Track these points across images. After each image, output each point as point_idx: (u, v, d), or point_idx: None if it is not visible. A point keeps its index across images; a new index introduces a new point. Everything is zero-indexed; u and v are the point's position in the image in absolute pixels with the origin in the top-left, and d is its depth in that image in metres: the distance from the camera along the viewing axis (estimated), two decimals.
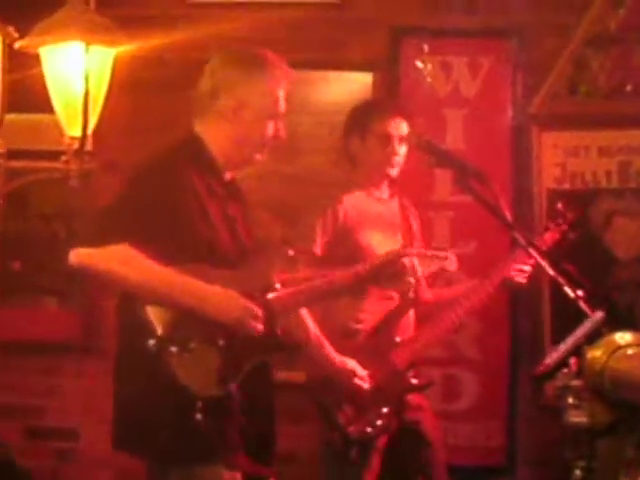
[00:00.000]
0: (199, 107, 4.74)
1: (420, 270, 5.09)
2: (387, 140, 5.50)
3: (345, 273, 4.89)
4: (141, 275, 4.32)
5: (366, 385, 5.41)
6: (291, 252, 4.64)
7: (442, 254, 5.19)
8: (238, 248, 4.61)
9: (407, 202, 5.80)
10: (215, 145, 4.65)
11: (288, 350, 4.73)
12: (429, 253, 5.22)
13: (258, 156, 4.67)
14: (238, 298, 4.37)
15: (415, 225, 5.80)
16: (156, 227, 4.34)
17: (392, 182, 5.63)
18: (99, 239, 4.30)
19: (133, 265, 4.31)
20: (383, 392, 5.46)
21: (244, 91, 4.64)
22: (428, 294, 5.65)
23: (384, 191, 5.61)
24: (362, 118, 5.67)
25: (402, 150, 5.46)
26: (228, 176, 4.66)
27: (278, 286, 4.56)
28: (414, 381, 5.27)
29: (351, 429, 5.40)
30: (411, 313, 5.50)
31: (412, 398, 5.56)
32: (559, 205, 5.69)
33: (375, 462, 5.41)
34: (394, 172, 5.51)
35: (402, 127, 5.51)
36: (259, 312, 4.37)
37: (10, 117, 5.33)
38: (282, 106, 4.67)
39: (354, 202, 5.57)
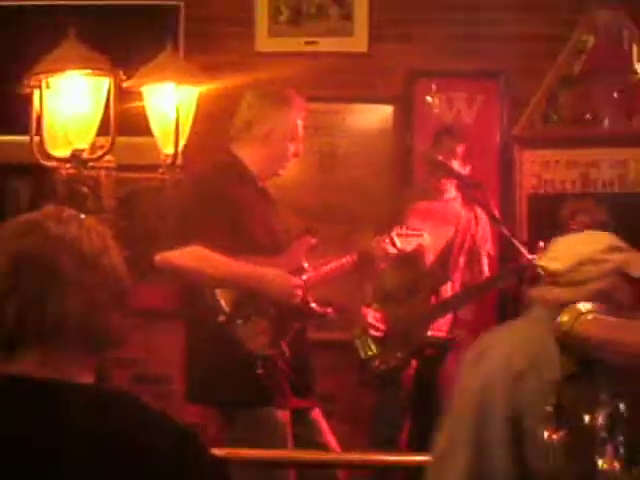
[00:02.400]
0: (236, 133, 4.90)
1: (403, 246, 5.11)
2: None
3: (350, 259, 4.95)
4: (213, 268, 4.53)
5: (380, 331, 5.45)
6: (313, 241, 4.81)
7: (419, 233, 5.17)
8: (272, 240, 4.75)
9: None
10: (250, 162, 4.81)
11: (318, 317, 4.85)
12: (409, 233, 5.19)
13: (281, 170, 4.86)
14: (287, 276, 4.56)
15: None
16: (217, 229, 4.54)
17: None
18: (176, 243, 4.53)
19: (206, 261, 4.51)
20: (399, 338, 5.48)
21: (272, 121, 4.81)
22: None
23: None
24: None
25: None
26: (260, 184, 4.81)
27: (306, 265, 4.69)
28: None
29: (375, 367, 5.39)
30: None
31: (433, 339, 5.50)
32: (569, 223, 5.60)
33: (405, 385, 5.43)
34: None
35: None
36: (299, 287, 4.57)
37: (120, 139, 5.07)
38: (300, 132, 4.82)
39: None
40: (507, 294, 5.99)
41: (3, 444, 1.98)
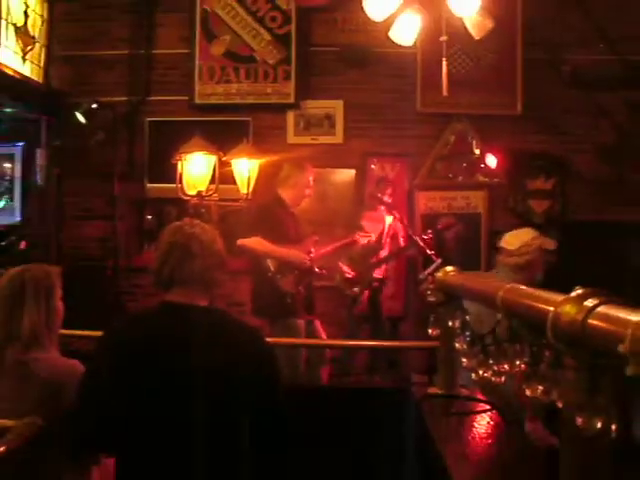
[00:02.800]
0: (280, 183, 5.45)
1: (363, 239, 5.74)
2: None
3: (339, 244, 5.62)
4: (267, 248, 5.15)
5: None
6: (316, 237, 5.36)
7: (369, 234, 5.85)
8: (296, 237, 5.34)
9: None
10: (286, 198, 5.39)
11: (317, 274, 5.44)
12: (365, 234, 5.81)
13: (302, 203, 5.51)
14: (302, 254, 5.21)
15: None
16: (269, 231, 5.16)
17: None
18: (249, 235, 5.14)
19: (262, 245, 5.13)
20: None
21: (297, 178, 5.43)
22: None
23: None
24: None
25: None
26: (291, 209, 5.42)
27: (313, 250, 5.28)
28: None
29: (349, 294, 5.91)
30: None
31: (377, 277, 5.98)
32: (438, 226, 6.60)
33: (363, 304, 5.91)
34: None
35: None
36: (309, 260, 5.22)
37: (220, 186, 5.83)
38: (311, 183, 5.46)
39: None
40: (412, 258, 6.70)
41: (167, 339, 2.38)
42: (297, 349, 5.13)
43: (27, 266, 2.99)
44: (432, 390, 3.21)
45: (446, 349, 3.12)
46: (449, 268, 3.04)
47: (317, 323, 5.46)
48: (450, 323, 2.92)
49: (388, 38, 4.72)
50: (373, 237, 5.85)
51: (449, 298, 2.97)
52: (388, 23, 4.60)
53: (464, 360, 2.66)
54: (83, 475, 2.74)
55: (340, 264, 5.85)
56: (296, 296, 5.26)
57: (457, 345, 2.78)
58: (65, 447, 2.49)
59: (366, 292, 5.96)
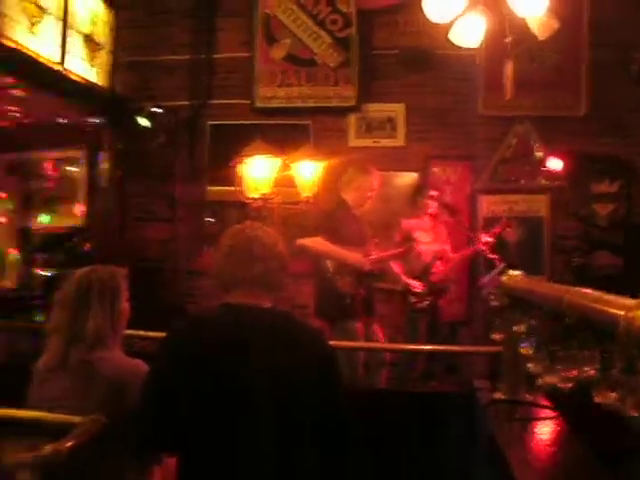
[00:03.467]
0: (343, 186, 5.40)
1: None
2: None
3: (397, 251, 5.66)
4: (326, 248, 5.11)
5: (418, 289, 5.96)
6: (376, 241, 5.42)
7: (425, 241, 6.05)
8: (359, 240, 5.28)
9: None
10: (349, 200, 5.34)
11: (379, 277, 5.53)
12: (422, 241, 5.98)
13: (365, 205, 5.46)
14: (363, 258, 5.18)
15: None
16: (332, 232, 5.13)
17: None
18: (312, 235, 5.12)
19: (324, 245, 5.11)
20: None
21: (360, 181, 5.38)
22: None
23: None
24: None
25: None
26: (354, 211, 5.36)
27: (373, 253, 5.33)
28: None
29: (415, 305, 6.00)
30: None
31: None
32: (496, 229, 6.21)
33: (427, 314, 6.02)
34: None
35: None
36: (368, 262, 5.20)
37: (282, 189, 6.23)
38: (374, 187, 5.42)
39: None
40: (474, 263, 6.70)
41: (230, 340, 2.38)
42: (355, 352, 5.09)
43: (93, 267, 3.01)
44: (497, 395, 3.16)
45: (510, 354, 3.07)
46: (514, 272, 3.01)
47: (376, 326, 5.43)
48: (515, 328, 2.88)
49: (450, 40, 4.70)
50: (427, 247, 5.96)
51: (514, 302, 2.93)
52: (450, 25, 4.56)
53: (530, 365, 2.62)
54: (145, 474, 2.75)
55: (405, 278, 5.88)
56: (355, 298, 5.22)
57: (522, 350, 2.77)
58: (128, 446, 2.50)
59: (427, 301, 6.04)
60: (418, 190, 6.47)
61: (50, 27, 6.15)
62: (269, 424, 2.32)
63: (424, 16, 4.48)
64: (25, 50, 5.78)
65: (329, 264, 5.23)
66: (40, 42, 6.00)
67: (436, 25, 4.61)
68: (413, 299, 5.96)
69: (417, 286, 5.91)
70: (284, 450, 2.35)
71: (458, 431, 3.44)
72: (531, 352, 2.65)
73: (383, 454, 3.71)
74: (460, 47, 4.74)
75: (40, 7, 5.93)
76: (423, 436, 3.77)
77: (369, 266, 5.20)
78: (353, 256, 5.16)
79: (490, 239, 5.89)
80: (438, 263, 6.11)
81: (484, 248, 5.79)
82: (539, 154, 6.86)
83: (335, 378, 2.50)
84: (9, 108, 6.92)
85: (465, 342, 6.56)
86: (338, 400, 2.49)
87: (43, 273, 7.48)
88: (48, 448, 2.34)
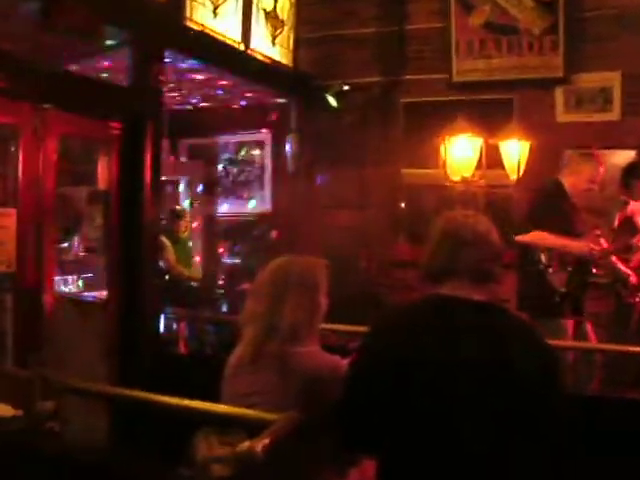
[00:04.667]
0: (563, 168, 5.21)
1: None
2: None
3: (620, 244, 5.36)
4: (550, 241, 4.95)
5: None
6: (599, 232, 5.10)
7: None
8: (578, 228, 5.12)
9: None
10: (567, 186, 5.12)
11: (602, 270, 5.26)
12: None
13: (583, 197, 5.16)
14: (587, 244, 4.97)
15: None
16: (555, 224, 4.92)
17: None
18: (525, 230, 4.98)
19: (544, 237, 4.95)
20: None
21: (580, 168, 5.13)
22: None
23: None
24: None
25: None
26: (572, 200, 5.15)
27: (603, 242, 5.05)
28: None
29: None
30: None
31: None
32: None
33: None
34: None
35: None
36: (597, 250, 4.97)
37: (486, 171, 6.11)
38: (597, 176, 5.13)
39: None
40: None
41: (442, 336, 2.32)
42: (562, 352, 4.66)
43: (291, 258, 3.00)
44: None
45: None
46: None
47: (588, 326, 5.22)
48: None
49: None
50: None
51: None
52: None
53: None
54: (342, 476, 2.77)
55: (620, 266, 5.50)
56: (566, 295, 5.03)
57: None
58: (325, 445, 2.56)
59: None
60: (634, 170, 6.03)
61: (232, 6, 6.16)
62: (488, 438, 2.19)
63: None
64: (210, 32, 5.85)
65: (542, 257, 5.07)
66: (224, 23, 6.05)
67: None
68: (625, 292, 5.57)
69: (634, 277, 5.50)
70: (504, 463, 2.21)
71: None
72: None
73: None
74: None
75: None
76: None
77: (599, 254, 4.99)
78: (577, 244, 5.01)
79: None
80: None
81: None
82: None
83: (561, 386, 2.38)
84: (193, 92, 6.92)
85: None
86: (565, 411, 2.32)
87: (228, 261, 7.63)
88: (244, 445, 2.38)
